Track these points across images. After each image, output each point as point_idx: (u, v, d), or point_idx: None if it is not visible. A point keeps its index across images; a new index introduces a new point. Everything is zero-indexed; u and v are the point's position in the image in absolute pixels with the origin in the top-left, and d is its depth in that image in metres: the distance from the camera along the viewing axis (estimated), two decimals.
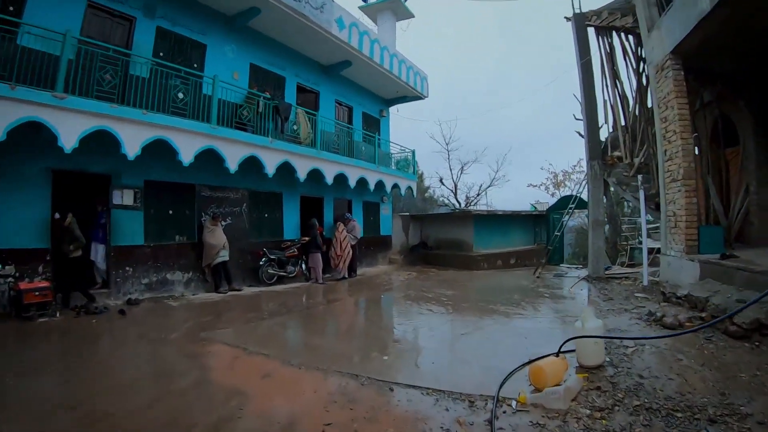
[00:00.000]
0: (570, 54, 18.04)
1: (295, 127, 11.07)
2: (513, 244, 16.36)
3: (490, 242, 15.63)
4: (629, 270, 11.15)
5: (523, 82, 73.72)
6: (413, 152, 16.36)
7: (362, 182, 13.32)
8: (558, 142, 52.97)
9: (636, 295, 8.01)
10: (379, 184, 14.18)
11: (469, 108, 60.73)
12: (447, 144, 25.63)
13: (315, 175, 11.40)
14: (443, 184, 26.42)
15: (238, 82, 10.15)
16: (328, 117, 12.95)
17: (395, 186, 15.29)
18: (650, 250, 13.11)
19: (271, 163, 9.94)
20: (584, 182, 11.01)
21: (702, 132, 8.30)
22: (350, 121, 14.79)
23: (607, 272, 11.33)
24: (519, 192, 49.22)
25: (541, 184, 27.87)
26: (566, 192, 25.69)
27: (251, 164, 9.58)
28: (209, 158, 8.69)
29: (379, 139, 14.75)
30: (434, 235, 17.17)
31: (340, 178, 12.39)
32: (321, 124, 11.65)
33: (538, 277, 11.08)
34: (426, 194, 27.98)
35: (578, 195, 12.06)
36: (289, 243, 11.27)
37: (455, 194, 25.97)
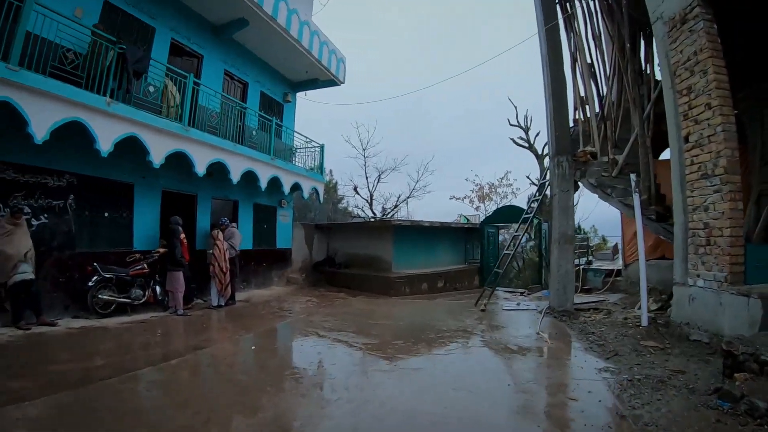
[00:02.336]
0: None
1: (151, 89, 7.62)
2: (441, 263, 13.67)
3: (413, 261, 12.74)
4: (591, 298, 8.86)
5: (453, 88, 74.06)
6: (322, 147, 13.20)
7: (250, 177, 10.00)
8: (484, 153, 52.81)
9: (643, 343, 5.46)
10: (275, 183, 10.90)
11: (391, 112, 58.74)
12: (364, 149, 22.75)
13: (181, 161, 8.03)
14: (358, 193, 23.45)
15: (80, 21, 6.63)
16: (212, 88, 9.37)
17: (296, 187, 12.03)
18: (609, 273, 11.36)
19: (107, 135, 6.52)
20: (545, 184, 8.58)
21: None
22: (244, 101, 11.30)
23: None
24: (441, 205, 47.59)
25: (465, 197, 26.07)
26: (492, 206, 24.22)
27: (78, 134, 6.27)
28: (11, 120, 5.54)
29: (278, 126, 11.24)
30: (344, 250, 13.94)
31: (220, 170, 9.07)
32: (196, 95, 8.35)
33: (482, 310, 8.28)
34: (339, 205, 24.92)
35: (538, 204, 9.62)
36: (137, 256, 7.75)
37: (371, 205, 23.10)
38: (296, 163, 12.46)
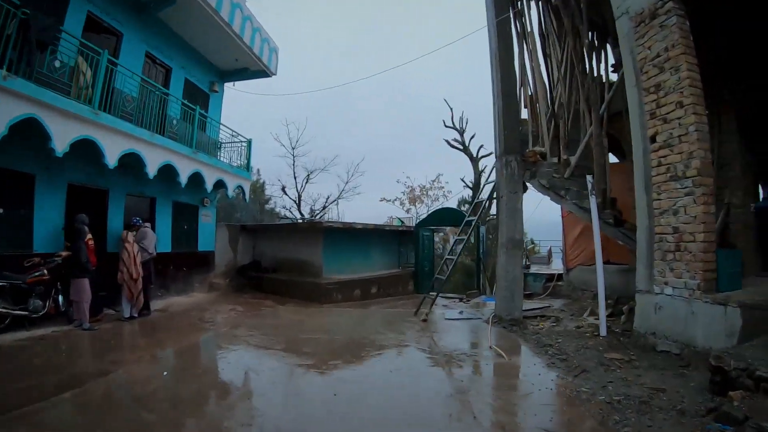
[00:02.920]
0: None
1: (57, 64, 6.35)
2: (374, 267, 12.86)
3: (345, 265, 11.81)
4: (536, 305, 8.54)
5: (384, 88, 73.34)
6: (249, 142, 12.08)
7: (170, 172, 8.82)
8: (415, 156, 52.80)
9: (607, 356, 5.05)
10: (197, 179, 9.74)
11: (322, 112, 56.94)
12: (293, 148, 21.46)
13: (90, 150, 6.81)
14: (286, 194, 22.16)
15: None
16: (131, 70, 8.01)
17: (221, 184, 10.87)
18: (549, 277, 11.18)
19: (1, 115, 5.29)
20: (489, 186, 8.09)
21: None
22: (166, 88, 9.95)
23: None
24: (371, 207, 46.71)
25: (395, 199, 25.62)
26: (423, 209, 23.99)
27: None
28: None
29: (203, 116, 9.79)
30: (271, 254, 12.71)
31: (135, 163, 7.88)
32: (111, 76, 7.18)
33: (424, 320, 7.53)
34: (267, 205, 23.66)
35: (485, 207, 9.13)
36: (36, 260, 6.41)
37: (299, 206, 21.81)
38: (221, 159, 11.20)
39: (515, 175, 7.41)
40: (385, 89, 77.55)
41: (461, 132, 20.47)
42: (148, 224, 8.19)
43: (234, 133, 11.52)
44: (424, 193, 25.41)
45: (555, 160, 7.43)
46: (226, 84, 12.79)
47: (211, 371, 5.08)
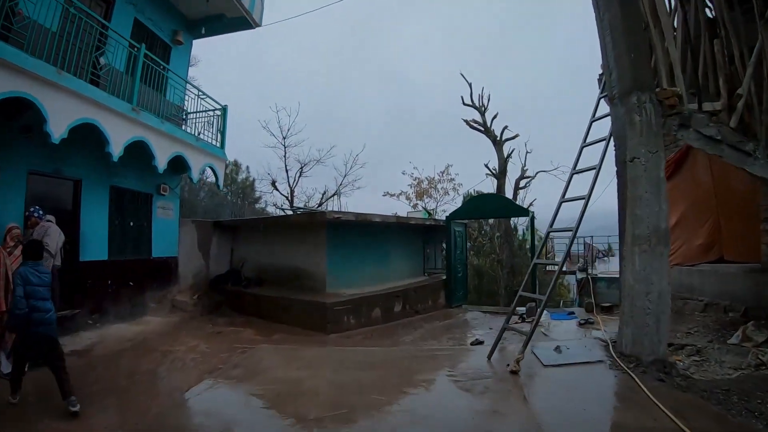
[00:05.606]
0: None
1: None
2: (395, 276, 9.75)
3: (357, 275, 8.80)
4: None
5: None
6: (224, 110, 8.98)
7: (93, 137, 5.91)
8: (417, 149, 49.47)
9: None
10: (141, 152, 6.82)
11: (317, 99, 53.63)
12: (284, 138, 18.59)
13: None
14: (276, 189, 19.31)
15: None
16: None
17: (180, 163, 7.87)
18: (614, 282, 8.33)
19: None
20: (605, 144, 5.00)
21: None
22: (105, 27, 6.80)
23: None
24: (372, 203, 42.69)
25: (401, 193, 22.48)
26: (431, 204, 21.01)
27: None
28: None
29: (150, 60, 6.86)
30: (256, 259, 9.77)
31: (36, 119, 5.08)
32: None
33: (513, 371, 4.32)
34: (257, 205, 20.62)
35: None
36: None
37: (291, 202, 18.87)
38: (193, 134, 8.29)
39: (653, 126, 4.45)
40: (382, 83, 74.13)
41: (482, 111, 17.52)
42: (51, 217, 5.19)
43: (201, 94, 8.50)
44: (433, 186, 22.37)
45: (693, 106, 4.55)
46: (196, 42, 9.82)
47: None
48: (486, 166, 17.98)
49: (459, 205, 21.67)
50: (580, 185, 5.23)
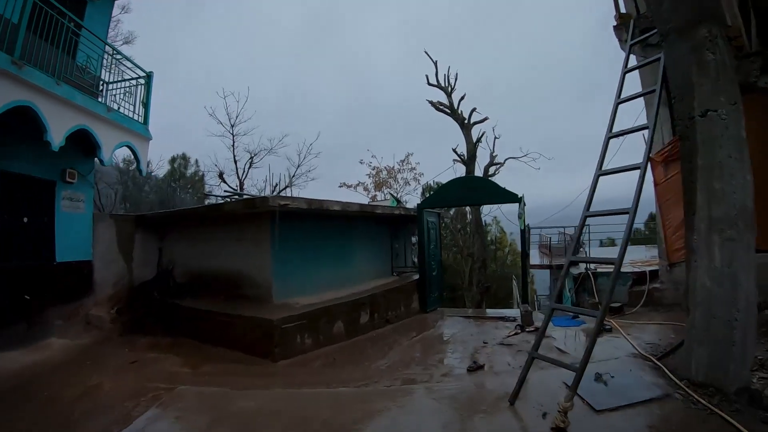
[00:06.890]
0: None
1: None
2: (360, 278, 8.18)
3: (312, 279, 7.13)
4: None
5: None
6: (149, 77, 7.28)
7: None
8: (383, 136, 48.08)
9: None
10: (28, 121, 5.15)
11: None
12: (233, 126, 16.92)
13: None
14: (224, 181, 17.75)
15: None
16: None
17: (86, 138, 6.20)
18: (636, 278, 7.21)
19: None
20: (655, 97, 3.68)
21: None
22: None
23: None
24: (329, 195, 41.27)
25: (358, 184, 21.07)
26: (388, 196, 19.70)
27: None
28: None
29: (68, 23, 5.15)
30: (188, 262, 7.97)
31: None
32: None
33: (556, 428, 2.84)
34: (207, 201, 18.77)
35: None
36: None
37: (240, 195, 17.00)
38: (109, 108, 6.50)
39: (727, 70, 3.18)
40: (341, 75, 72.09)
41: (449, 92, 16.28)
42: None
43: (116, 55, 6.69)
44: (392, 176, 21.17)
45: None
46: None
47: None
48: (454, 150, 16.74)
49: (419, 196, 20.78)
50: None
